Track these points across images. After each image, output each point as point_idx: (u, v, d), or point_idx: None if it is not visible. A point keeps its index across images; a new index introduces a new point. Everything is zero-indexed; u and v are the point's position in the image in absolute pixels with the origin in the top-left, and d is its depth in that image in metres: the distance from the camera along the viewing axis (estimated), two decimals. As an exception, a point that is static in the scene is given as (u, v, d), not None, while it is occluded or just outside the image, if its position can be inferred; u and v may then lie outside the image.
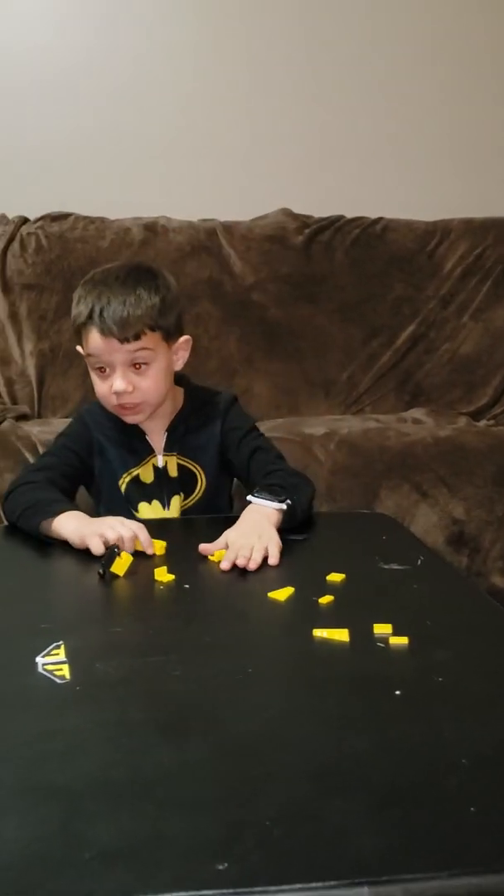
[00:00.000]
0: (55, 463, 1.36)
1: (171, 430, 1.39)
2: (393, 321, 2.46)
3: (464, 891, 0.49)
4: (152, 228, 2.51)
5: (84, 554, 1.13)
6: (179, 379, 1.42)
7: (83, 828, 0.55)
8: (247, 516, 1.22)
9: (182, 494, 1.39)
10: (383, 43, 2.73)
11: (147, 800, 0.58)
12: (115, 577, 1.07)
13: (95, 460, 1.39)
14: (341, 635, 0.87)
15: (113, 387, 1.29)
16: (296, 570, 1.10)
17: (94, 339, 1.28)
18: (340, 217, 2.61)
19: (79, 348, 1.34)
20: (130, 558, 1.11)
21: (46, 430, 1.91)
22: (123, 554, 1.10)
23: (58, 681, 0.78)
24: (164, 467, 1.38)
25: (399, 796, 0.58)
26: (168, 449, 1.38)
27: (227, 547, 1.13)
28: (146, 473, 1.38)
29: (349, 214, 2.62)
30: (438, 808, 0.57)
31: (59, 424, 2.02)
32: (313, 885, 0.49)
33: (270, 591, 1.00)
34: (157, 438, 1.39)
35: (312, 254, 2.51)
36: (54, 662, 0.82)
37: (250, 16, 2.68)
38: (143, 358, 1.28)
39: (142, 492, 1.38)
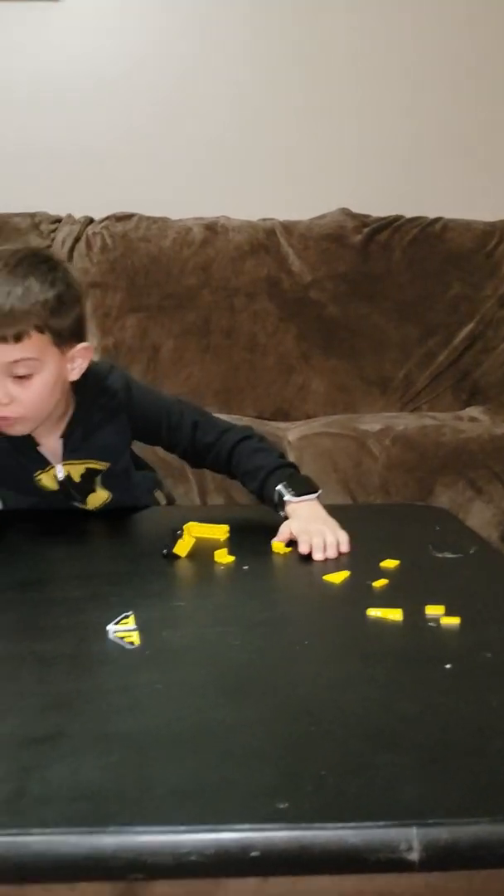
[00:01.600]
0: None
1: (68, 438, 1.22)
2: (450, 320, 2.48)
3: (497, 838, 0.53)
4: (212, 228, 2.56)
5: (150, 534, 1.18)
6: None
7: (154, 770, 0.60)
8: (298, 512, 1.19)
9: (98, 489, 1.27)
10: (447, 40, 2.74)
11: (210, 750, 0.63)
12: (177, 557, 1.12)
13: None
14: (395, 614, 0.91)
15: None
16: (350, 557, 1.13)
17: None
18: (399, 217, 2.63)
19: None
20: (193, 540, 1.16)
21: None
22: (186, 536, 1.16)
23: (127, 646, 0.83)
24: (67, 477, 1.24)
25: (445, 754, 0.62)
26: (67, 458, 1.23)
27: (291, 541, 1.14)
28: (49, 482, 1.24)
29: (408, 214, 2.65)
30: (481, 765, 0.61)
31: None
32: (367, 824, 0.54)
33: (326, 574, 1.05)
34: (51, 448, 1.22)
35: (370, 253, 2.54)
36: (124, 630, 0.87)
37: (305, 14, 2.72)
38: (24, 369, 1.09)
39: (52, 496, 1.25)
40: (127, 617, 0.90)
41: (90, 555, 1.17)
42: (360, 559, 1.13)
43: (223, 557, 1.12)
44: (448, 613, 0.91)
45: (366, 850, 0.53)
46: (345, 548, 1.13)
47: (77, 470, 1.24)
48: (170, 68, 2.73)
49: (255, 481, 1.26)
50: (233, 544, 1.17)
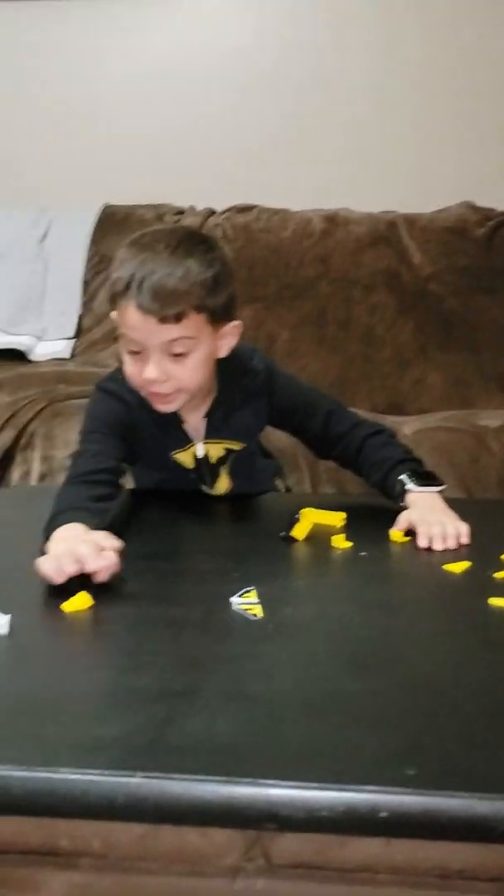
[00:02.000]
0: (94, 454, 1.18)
1: (211, 416, 1.25)
2: None
3: None
4: (332, 219, 2.58)
5: (268, 517, 1.22)
6: None
7: (285, 730, 0.63)
8: (419, 503, 1.19)
9: (231, 469, 1.30)
10: None
11: (338, 715, 0.66)
12: (295, 540, 1.15)
13: (133, 441, 1.24)
14: (517, 605, 0.91)
15: (144, 374, 1.13)
16: (470, 548, 1.13)
17: (131, 314, 1.10)
18: (524, 210, 2.59)
19: (113, 314, 1.16)
20: (310, 525, 1.18)
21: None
22: (303, 520, 1.18)
23: (251, 618, 0.86)
24: (206, 455, 1.27)
25: None
26: (209, 436, 1.26)
27: (409, 531, 1.15)
28: (186, 460, 1.27)
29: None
30: None
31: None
32: (494, 795, 0.55)
33: (446, 563, 1.05)
34: (194, 426, 1.26)
35: (493, 246, 2.50)
36: (248, 603, 0.90)
37: (426, 9, 2.70)
38: (181, 347, 1.12)
39: (186, 472, 1.29)
40: (249, 591, 0.93)
41: (213, 532, 1.21)
42: (480, 551, 1.13)
43: (341, 543, 1.13)
44: None
45: (494, 819, 0.54)
46: (465, 539, 1.13)
47: (216, 450, 1.28)
48: (295, 61, 2.75)
49: (379, 472, 1.27)
50: (349, 531, 1.19)
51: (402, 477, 1.23)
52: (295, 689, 0.70)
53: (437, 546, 1.11)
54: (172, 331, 1.10)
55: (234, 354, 1.23)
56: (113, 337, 1.14)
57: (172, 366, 1.13)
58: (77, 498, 1.07)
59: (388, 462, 1.26)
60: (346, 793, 0.55)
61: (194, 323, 1.11)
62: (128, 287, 1.09)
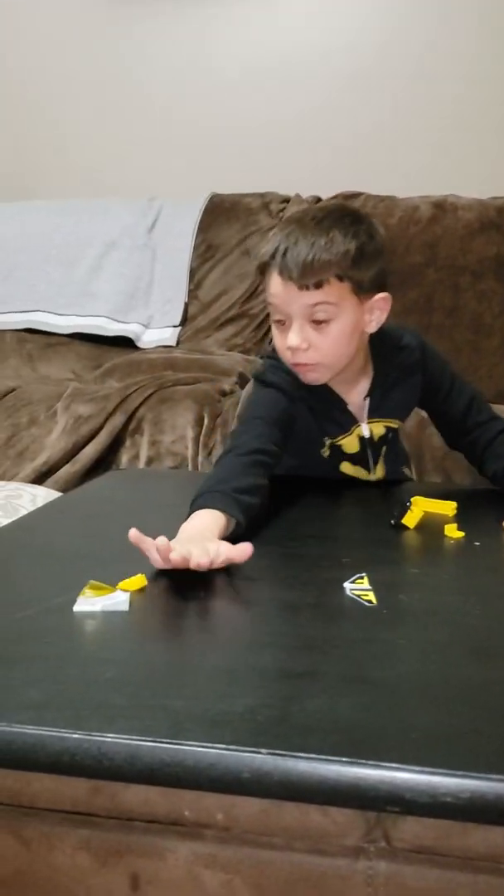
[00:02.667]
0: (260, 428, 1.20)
1: (371, 395, 1.27)
2: None
3: None
4: (441, 206, 2.54)
5: (378, 504, 1.21)
6: None
7: (405, 715, 0.63)
8: None
9: (385, 450, 1.33)
10: None
11: (460, 702, 0.65)
12: (406, 528, 1.14)
13: (293, 427, 1.25)
14: None
15: (287, 341, 1.16)
16: None
17: (274, 282, 1.15)
18: None
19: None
20: (421, 513, 1.17)
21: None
22: (414, 508, 1.17)
23: (365, 604, 0.86)
24: (370, 436, 1.30)
25: None
26: (371, 416, 1.29)
27: None
28: (350, 444, 1.30)
29: None
30: None
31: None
32: None
33: None
34: (357, 406, 1.28)
35: None
36: (361, 589, 0.90)
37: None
38: (323, 313, 1.14)
39: (347, 457, 1.31)
40: (361, 577, 0.93)
41: (324, 518, 1.21)
42: None
43: (453, 532, 1.12)
44: None
45: None
46: None
47: (378, 429, 1.30)
48: (399, 47, 2.72)
49: (500, 461, 1.27)
50: (461, 520, 1.17)
51: None
52: (416, 675, 0.69)
53: None
54: (313, 297, 1.13)
55: (386, 332, 1.25)
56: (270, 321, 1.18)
57: (314, 334, 1.15)
58: (231, 476, 1.08)
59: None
60: (472, 780, 0.54)
61: (336, 291, 1.13)
62: (272, 257, 1.14)
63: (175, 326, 2.55)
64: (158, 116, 2.87)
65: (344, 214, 1.17)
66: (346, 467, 1.32)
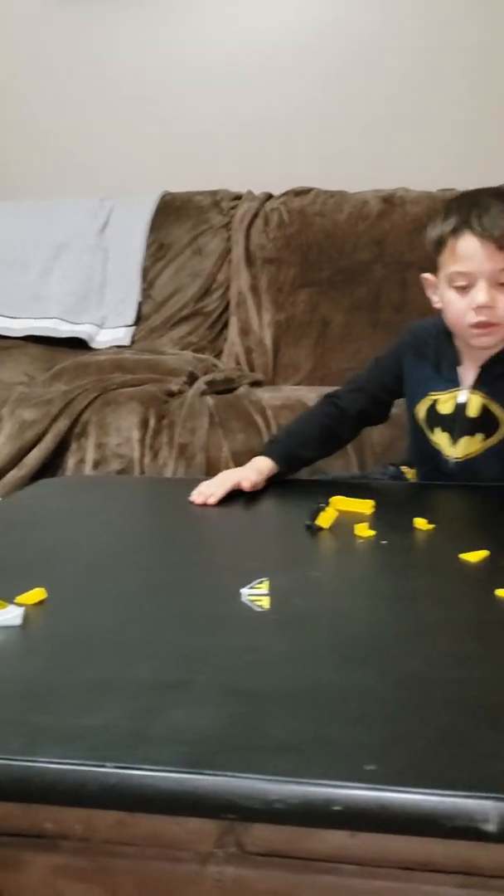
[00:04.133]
0: (361, 382, 1.45)
1: (486, 368, 1.35)
2: None
3: None
4: (390, 200, 2.56)
5: (297, 505, 1.24)
6: None
7: (263, 724, 0.65)
8: None
9: (479, 436, 1.37)
10: None
11: (319, 709, 0.67)
12: (320, 529, 1.16)
13: (403, 375, 1.42)
14: (522, 597, 0.91)
15: (475, 300, 1.25)
16: (495, 536, 1.13)
17: (468, 244, 1.25)
18: None
19: (426, 276, 1.35)
20: (336, 513, 1.20)
21: (276, 397, 2.04)
22: (329, 509, 1.20)
23: (257, 609, 0.89)
24: (465, 404, 1.36)
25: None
26: (476, 387, 1.35)
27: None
28: (445, 405, 1.38)
29: None
30: None
31: (289, 391, 2.15)
32: (445, 792, 0.56)
33: (464, 552, 1.05)
34: (468, 372, 1.36)
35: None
36: (257, 594, 0.93)
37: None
38: None
39: (438, 420, 1.39)
40: (261, 582, 0.96)
41: (236, 522, 1.23)
42: (499, 539, 1.13)
43: (364, 531, 1.15)
44: None
45: (441, 816, 0.55)
46: None
47: (475, 402, 1.35)
48: (345, 43, 2.73)
49: None
50: (376, 519, 1.20)
51: None
52: (284, 683, 0.72)
53: None
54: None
55: None
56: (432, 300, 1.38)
57: (500, 295, 1.25)
58: (303, 429, 1.44)
59: None
60: (302, 786, 0.57)
61: None
62: (464, 221, 1.24)
63: (129, 326, 2.56)
64: (108, 116, 2.88)
65: None
66: (438, 434, 1.39)
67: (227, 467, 1.88)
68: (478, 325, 1.27)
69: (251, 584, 0.95)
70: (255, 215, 2.60)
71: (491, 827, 0.55)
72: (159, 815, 0.60)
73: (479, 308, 1.25)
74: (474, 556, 1.05)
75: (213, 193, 2.69)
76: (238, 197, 2.69)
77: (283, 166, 2.76)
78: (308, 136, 2.77)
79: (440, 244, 1.29)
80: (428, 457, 1.42)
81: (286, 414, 1.95)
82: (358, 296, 2.45)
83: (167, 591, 0.95)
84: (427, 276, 1.35)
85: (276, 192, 2.69)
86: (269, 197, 2.67)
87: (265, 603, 0.91)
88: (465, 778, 0.58)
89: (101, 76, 2.87)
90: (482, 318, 1.26)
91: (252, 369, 2.44)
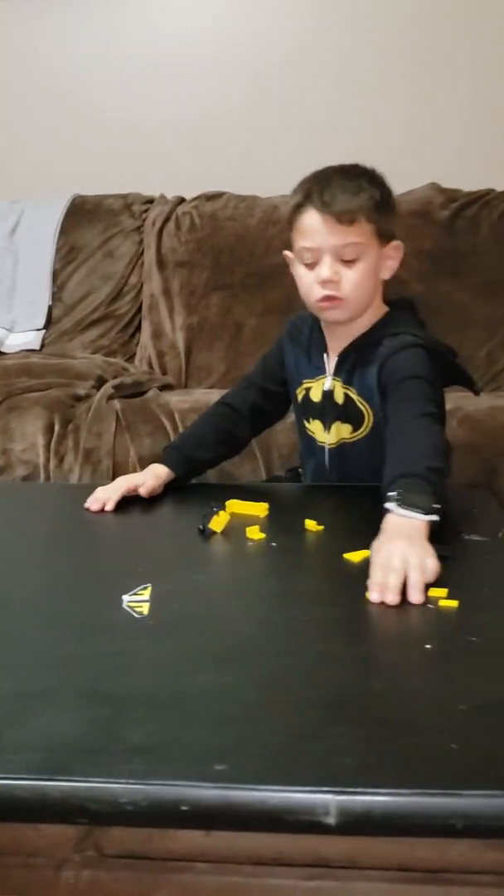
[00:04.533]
0: (250, 378, 1.50)
1: (342, 357, 1.36)
2: (538, 298, 2.42)
3: (412, 809, 0.57)
4: (300, 206, 2.58)
5: (192, 509, 1.25)
6: (397, 301, 1.41)
7: (120, 728, 0.67)
8: (392, 532, 1.03)
9: (348, 426, 1.36)
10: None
11: (178, 712, 0.69)
12: (213, 532, 1.18)
13: (285, 367, 1.45)
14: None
15: (319, 275, 1.27)
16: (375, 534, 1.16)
17: (310, 219, 1.26)
18: (490, 191, 2.58)
19: (287, 253, 1.36)
20: (228, 516, 1.22)
21: (186, 400, 2.05)
22: (222, 512, 1.22)
23: (136, 616, 0.90)
24: (331, 391, 1.37)
25: (391, 729, 0.66)
26: (335, 374, 1.37)
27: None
28: (316, 392, 1.40)
29: (501, 188, 2.59)
30: (420, 741, 0.64)
31: (200, 395, 2.17)
32: (288, 787, 0.58)
33: (347, 552, 1.08)
34: (332, 359, 1.38)
35: (457, 228, 2.50)
36: (138, 601, 0.94)
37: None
38: (352, 252, 1.26)
39: (311, 408, 1.41)
40: (145, 588, 0.97)
41: (130, 527, 1.24)
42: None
43: (255, 534, 1.16)
44: (451, 596, 0.93)
45: (285, 812, 0.57)
46: (417, 598, 0.92)
47: (340, 391, 1.36)
48: (257, 48, 2.75)
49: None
50: (270, 522, 1.22)
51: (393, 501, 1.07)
52: (147, 687, 0.73)
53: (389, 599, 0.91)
54: (347, 234, 1.25)
55: (401, 322, 1.35)
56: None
57: (344, 269, 1.27)
58: (197, 433, 1.49)
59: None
60: (151, 787, 0.59)
61: (364, 231, 1.27)
62: (307, 196, 1.27)
63: (39, 330, 2.54)
64: (18, 118, 2.85)
65: (364, 169, 1.32)
66: (313, 424, 1.42)
67: (135, 472, 1.89)
68: (323, 300, 1.29)
69: (134, 590, 0.96)
70: (167, 219, 2.60)
71: (331, 820, 0.57)
72: (16, 822, 0.61)
73: (324, 282, 1.27)
74: (357, 556, 1.07)
75: (125, 196, 2.69)
76: (150, 200, 2.69)
77: (196, 171, 2.76)
78: (221, 141, 2.79)
79: (290, 222, 1.32)
80: (310, 449, 1.45)
81: (194, 417, 1.95)
82: (270, 299, 2.47)
83: (48, 597, 0.95)
84: (287, 253, 1.37)
85: (189, 196, 2.69)
86: (182, 201, 2.67)
87: (145, 609, 0.92)
88: (309, 774, 0.60)
89: (10, 77, 2.84)
90: (326, 292, 1.28)
91: (165, 373, 2.44)
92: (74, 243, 2.62)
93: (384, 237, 1.30)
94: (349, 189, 1.26)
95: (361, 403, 1.34)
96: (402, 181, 2.58)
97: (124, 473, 1.88)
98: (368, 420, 1.35)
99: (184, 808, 0.58)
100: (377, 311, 1.37)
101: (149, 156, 2.81)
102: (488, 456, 1.86)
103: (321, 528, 1.19)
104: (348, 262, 1.27)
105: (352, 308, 1.31)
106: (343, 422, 1.37)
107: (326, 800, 0.57)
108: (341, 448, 1.39)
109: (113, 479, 1.87)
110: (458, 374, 1.40)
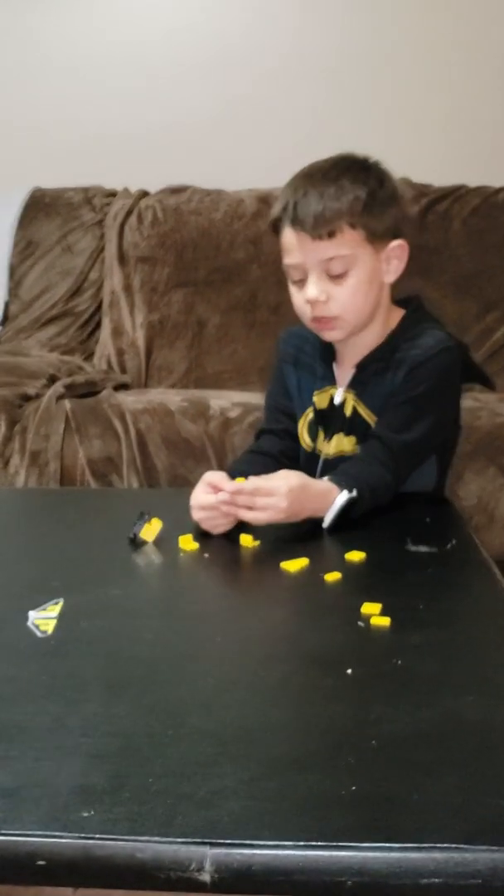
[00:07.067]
0: (265, 427, 1.33)
1: (361, 368, 1.23)
2: (511, 294, 2.37)
3: (296, 864, 0.50)
4: (266, 200, 2.52)
5: (119, 517, 1.18)
6: (408, 301, 1.29)
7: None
8: (308, 484, 1.09)
9: (352, 438, 1.25)
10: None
11: (53, 747, 0.62)
12: (144, 542, 1.11)
13: (287, 386, 1.31)
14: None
15: (305, 295, 1.15)
16: (317, 544, 1.10)
17: (287, 236, 1.15)
18: (461, 186, 2.53)
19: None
20: (160, 525, 1.14)
21: (140, 401, 1.99)
22: (155, 520, 1.14)
23: (39, 634, 0.83)
24: (341, 404, 1.25)
25: (279, 770, 0.59)
26: (350, 387, 1.24)
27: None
28: (321, 401, 1.27)
29: (474, 184, 2.53)
30: (308, 784, 0.57)
31: (155, 395, 2.10)
32: (158, 839, 0.52)
33: (284, 561, 1.00)
34: (345, 369, 1.25)
35: (428, 224, 2.45)
36: (44, 618, 0.87)
37: None
38: (339, 266, 1.13)
39: (316, 415, 1.28)
40: (56, 603, 0.90)
41: (55, 535, 1.17)
42: (327, 548, 1.10)
43: (188, 544, 1.09)
44: (384, 613, 0.87)
45: (153, 866, 0.51)
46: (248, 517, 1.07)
47: (350, 404, 1.24)
48: (222, 40, 2.69)
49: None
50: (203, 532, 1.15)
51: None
52: (27, 718, 0.66)
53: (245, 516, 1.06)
54: (328, 249, 1.13)
55: (426, 323, 1.24)
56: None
57: (332, 286, 1.14)
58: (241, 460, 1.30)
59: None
60: (6, 838, 0.52)
61: (350, 239, 1.13)
62: (283, 211, 1.15)
63: (-5, 326, 2.47)
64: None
65: (351, 163, 1.17)
66: (319, 436, 1.28)
67: (84, 475, 1.82)
68: (314, 321, 1.18)
69: (43, 606, 0.89)
70: (129, 213, 2.53)
71: (205, 876, 0.51)
72: None
73: (312, 303, 1.15)
74: (294, 566, 1.00)
75: (86, 190, 2.62)
76: (112, 194, 2.62)
77: (159, 164, 2.69)
78: (185, 134, 2.72)
79: (274, 230, 1.20)
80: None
81: (146, 419, 1.89)
82: (234, 296, 2.40)
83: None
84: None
85: (153, 189, 2.62)
86: (145, 194, 2.60)
87: (50, 626, 0.85)
88: (185, 823, 0.53)
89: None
90: (317, 314, 1.17)
91: (124, 372, 2.37)
92: (32, 237, 2.55)
93: (380, 238, 1.16)
94: (328, 195, 1.12)
95: (370, 416, 1.23)
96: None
97: (72, 477, 1.83)
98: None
99: (41, 862, 0.51)
100: (388, 316, 1.24)
101: (112, 149, 2.74)
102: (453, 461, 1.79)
103: (257, 542, 1.09)
104: (337, 278, 1.14)
105: (349, 325, 1.18)
106: (346, 434, 1.25)
107: (201, 852, 0.51)
108: (338, 461, 1.26)
109: (61, 483, 1.81)
110: (473, 371, 1.32)
